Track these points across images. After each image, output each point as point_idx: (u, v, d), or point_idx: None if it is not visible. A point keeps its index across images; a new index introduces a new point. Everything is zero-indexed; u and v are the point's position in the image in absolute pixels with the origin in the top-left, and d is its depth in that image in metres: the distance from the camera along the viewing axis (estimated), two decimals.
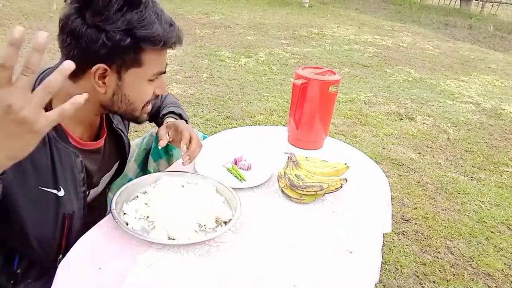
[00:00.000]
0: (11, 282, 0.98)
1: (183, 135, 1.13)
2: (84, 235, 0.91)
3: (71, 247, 0.92)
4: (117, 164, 1.19)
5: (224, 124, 3.14)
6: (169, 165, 1.30)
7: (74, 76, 0.86)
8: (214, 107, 3.43)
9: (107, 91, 0.89)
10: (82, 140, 0.98)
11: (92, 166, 1.03)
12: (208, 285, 0.82)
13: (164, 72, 0.94)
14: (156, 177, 1.11)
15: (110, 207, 0.97)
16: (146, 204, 1.03)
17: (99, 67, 0.84)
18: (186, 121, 1.26)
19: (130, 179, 1.27)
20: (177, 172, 1.16)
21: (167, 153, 1.34)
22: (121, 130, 1.12)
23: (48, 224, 0.92)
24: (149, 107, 0.99)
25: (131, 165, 1.33)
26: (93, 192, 1.11)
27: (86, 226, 0.98)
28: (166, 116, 1.25)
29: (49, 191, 0.90)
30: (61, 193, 0.92)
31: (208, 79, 4.08)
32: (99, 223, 0.95)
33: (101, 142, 1.05)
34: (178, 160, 1.29)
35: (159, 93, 0.96)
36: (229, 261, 0.89)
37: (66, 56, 0.85)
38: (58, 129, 0.91)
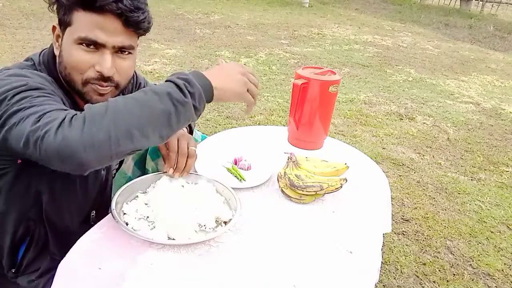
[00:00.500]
0: (12, 270, 1.00)
1: (169, 157, 1.09)
2: (84, 235, 0.91)
3: (105, 201, 1.08)
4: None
5: (224, 124, 3.14)
6: None
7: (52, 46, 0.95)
8: (214, 107, 3.43)
9: (58, 53, 0.93)
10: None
11: None
12: (208, 285, 0.82)
13: (103, 46, 0.88)
14: (156, 177, 1.11)
15: (110, 207, 0.97)
16: (146, 204, 1.03)
17: (55, 26, 0.93)
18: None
19: (130, 178, 1.27)
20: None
21: None
22: None
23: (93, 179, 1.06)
24: (99, 88, 0.92)
25: (129, 163, 1.33)
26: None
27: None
28: None
29: None
30: None
31: None
32: (99, 223, 0.95)
33: None
34: None
35: (99, 70, 0.89)
36: (229, 261, 0.89)
37: None
38: (69, 95, 0.97)
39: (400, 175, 2.74)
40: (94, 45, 0.87)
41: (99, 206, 1.10)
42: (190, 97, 0.79)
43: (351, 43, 6.16)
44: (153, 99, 0.75)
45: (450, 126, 3.62)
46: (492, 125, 3.74)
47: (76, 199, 1.03)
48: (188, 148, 1.08)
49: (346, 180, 1.13)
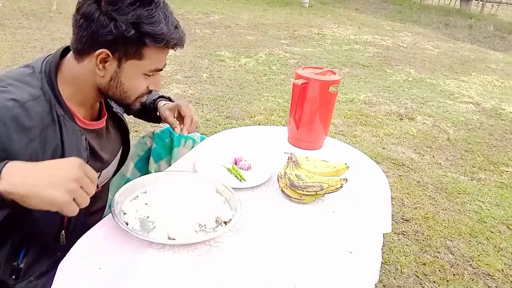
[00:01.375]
0: (13, 277, 0.99)
1: (186, 121, 1.23)
2: (84, 235, 0.91)
3: (72, 223, 1.00)
4: (120, 150, 1.21)
5: (224, 124, 3.14)
6: (169, 166, 1.30)
7: (79, 55, 0.92)
8: (214, 107, 3.44)
9: (105, 75, 0.93)
10: (85, 120, 1.02)
11: (97, 146, 1.06)
12: (208, 285, 0.82)
13: (161, 70, 0.99)
14: (156, 177, 1.11)
15: (110, 207, 0.97)
16: (146, 204, 1.03)
17: (103, 51, 0.89)
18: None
19: (128, 179, 1.27)
20: (177, 172, 1.16)
21: (168, 154, 1.34)
22: (120, 114, 1.17)
23: None
24: (143, 99, 1.03)
25: (129, 166, 1.33)
26: (105, 174, 1.14)
27: (94, 210, 1.06)
28: (157, 101, 1.32)
29: None
30: None
31: (208, 79, 4.08)
32: (99, 223, 0.95)
33: (103, 122, 1.09)
34: (178, 160, 1.29)
35: (152, 89, 1.01)
36: (229, 261, 0.89)
37: (76, 35, 0.90)
38: (65, 109, 0.94)
39: (400, 175, 2.73)
40: (154, 72, 0.98)
41: (67, 229, 1.04)
42: None
43: (351, 43, 6.16)
44: None
45: (450, 126, 3.62)
46: (492, 125, 3.74)
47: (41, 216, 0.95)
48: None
49: (346, 180, 1.13)
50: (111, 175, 1.22)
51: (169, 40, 0.91)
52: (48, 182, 0.67)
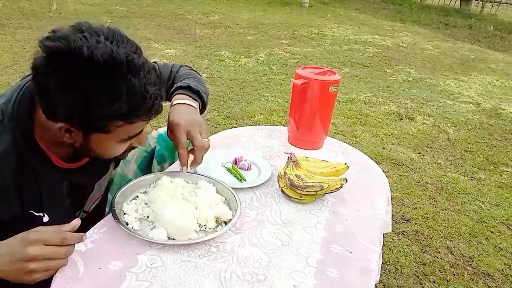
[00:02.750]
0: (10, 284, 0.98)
1: (195, 156, 1.03)
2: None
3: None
4: (113, 164, 1.18)
5: (224, 124, 3.14)
6: None
7: (41, 110, 0.82)
8: (214, 107, 3.43)
9: (75, 142, 0.85)
10: (65, 160, 0.95)
11: (82, 180, 1.03)
12: (208, 285, 0.82)
13: (140, 132, 0.89)
14: (156, 177, 1.11)
15: (110, 207, 0.97)
16: (146, 204, 1.03)
17: (61, 126, 0.80)
18: (198, 92, 1.15)
19: (130, 180, 1.26)
20: (178, 172, 1.16)
21: (171, 157, 1.33)
22: None
23: None
24: (126, 155, 0.96)
25: (131, 167, 1.32)
26: (93, 197, 1.12)
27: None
28: (173, 94, 1.12)
29: (36, 215, 0.91)
30: (46, 218, 0.93)
31: (208, 79, 4.08)
32: (99, 223, 0.95)
33: (84, 161, 1.01)
34: (178, 160, 1.29)
35: (136, 145, 0.93)
36: (230, 261, 0.89)
37: (36, 94, 0.80)
38: (42, 156, 0.89)
39: (400, 175, 2.74)
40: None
41: None
42: None
43: (351, 43, 6.16)
44: None
45: (450, 126, 3.62)
46: (492, 125, 3.74)
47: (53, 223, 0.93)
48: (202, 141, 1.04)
49: (346, 180, 1.13)
50: (103, 192, 1.18)
51: (132, 117, 0.80)
52: (10, 274, 0.72)
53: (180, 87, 1.12)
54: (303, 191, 1.09)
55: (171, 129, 1.03)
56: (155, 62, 1.15)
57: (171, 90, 1.13)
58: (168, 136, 1.06)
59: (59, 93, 0.75)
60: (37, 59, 0.75)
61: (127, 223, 0.95)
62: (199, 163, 1.05)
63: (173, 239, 0.92)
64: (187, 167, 1.05)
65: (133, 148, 0.94)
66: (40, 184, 0.90)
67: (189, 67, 1.26)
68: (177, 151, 1.03)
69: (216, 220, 1.00)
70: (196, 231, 0.95)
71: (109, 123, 0.80)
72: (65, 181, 0.97)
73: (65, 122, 0.79)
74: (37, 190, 0.90)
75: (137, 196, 1.06)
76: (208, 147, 1.05)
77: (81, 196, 1.07)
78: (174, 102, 1.08)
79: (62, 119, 0.79)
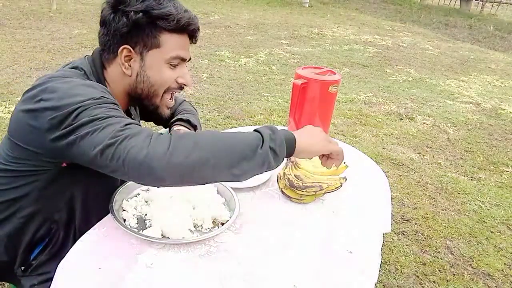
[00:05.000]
0: (22, 268, 1.01)
1: None
2: (84, 235, 0.91)
3: None
4: None
5: (224, 124, 3.14)
6: None
7: (108, 63, 0.98)
8: (214, 107, 3.44)
9: (132, 73, 0.97)
10: None
11: None
12: (208, 285, 0.82)
13: (185, 60, 1.01)
14: None
15: (109, 204, 0.98)
16: (146, 202, 1.03)
17: (124, 47, 0.94)
18: (195, 126, 1.25)
19: None
20: None
21: None
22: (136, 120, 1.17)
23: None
24: (172, 101, 1.04)
25: None
26: None
27: None
28: (173, 124, 1.24)
29: None
30: None
31: (208, 79, 4.08)
32: (99, 223, 0.96)
33: None
34: None
35: (182, 82, 1.02)
36: (229, 261, 0.89)
37: (102, 45, 0.97)
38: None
39: (400, 175, 2.73)
40: (178, 62, 0.99)
41: None
42: (272, 143, 0.83)
43: (351, 43, 6.16)
44: (237, 143, 0.81)
45: (450, 126, 3.62)
46: (492, 125, 3.74)
47: (106, 203, 1.01)
48: None
49: (346, 179, 1.13)
50: None
51: (179, 20, 0.94)
52: (317, 136, 0.93)
53: (181, 119, 1.25)
54: (302, 191, 1.09)
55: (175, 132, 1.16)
56: None
57: (172, 120, 1.26)
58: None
59: (120, 12, 0.92)
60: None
61: (124, 220, 0.95)
62: None
63: (168, 237, 0.92)
64: None
65: (181, 88, 1.03)
66: None
67: (189, 103, 1.41)
68: None
69: (214, 221, 1.00)
70: (191, 230, 0.95)
71: (160, 34, 0.94)
72: None
73: (127, 43, 0.94)
74: None
75: (139, 194, 1.07)
76: None
77: None
78: (175, 128, 1.21)
79: (124, 41, 0.94)
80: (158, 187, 0.82)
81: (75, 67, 0.97)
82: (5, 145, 0.94)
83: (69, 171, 0.92)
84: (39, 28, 5.12)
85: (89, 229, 0.97)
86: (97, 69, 0.99)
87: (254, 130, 0.85)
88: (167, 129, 1.23)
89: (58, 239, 1.01)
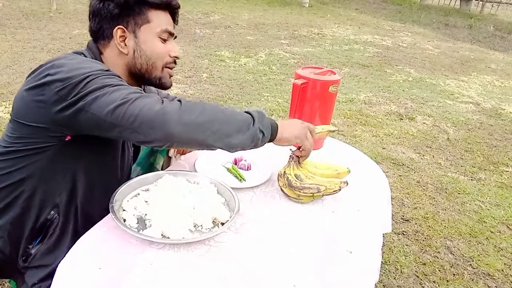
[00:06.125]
0: (23, 258, 1.01)
1: None
2: (84, 235, 0.91)
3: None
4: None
5: None
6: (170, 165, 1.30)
7: (104, 48, 1.05)
8: None
9: (129, 51, 1.05)
10: None
11: None
12: (208, 285, 0.82)
13: (172, 35, 1.09)
14: (158, 176, 1.12)
15: (109, 203, 0.97)
16: (146, 202, 1.03)
17: (118, 28, 1.02)
18: None
19: (130, 178, 1.27)
20: (181, 171, 1.16)
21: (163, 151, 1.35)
22: None
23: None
24: (171, 71, 1.11)
25: (133, 168, 1.32)
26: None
27: None
28: None
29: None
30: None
31: (208, 79, 4.08)
32: (99, 223, 0.95)
33: None
34: (178, 160, 1.29)
35: (174, 55, 1.09)
36: (229, 261, 0.89)
37: (95, 35, 1.05)
38: None
39: (400, 175, 2.73)
40: (167, 36, 1.07)
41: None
42: (260, 125, 0.95)
43: (351, 43, 6.16)
44: (236, 116, 0.93)
45: (450, 126, 3.62)
46: (492, 125, 3.74)
47: (108, 184, 1.05)
48: None
49: (347, 184, 1.12)
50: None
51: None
52: (296, 127, 1.05)
53: None
54: (300, 192, 1.09)
55: None
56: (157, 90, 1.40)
57: None
58: None
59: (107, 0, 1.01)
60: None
61: (124, 220, 0.95)
62: (182, 154, 1.30)
63: (167, 237, 0.92)
64: (174, 155, 1.28)
65: (173, 58, 1.09)
66: None
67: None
68: None
69: (213, 221, 1.00)
70: (191, 230, 0.95)
71: (148, 11, 1.03)
72: None
73: (119, 24, 1.02)
74: None
75: (139, 194, 1.07)
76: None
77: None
78: None
79: (116, 22, 1.02)
80: (162, 145, 0.89)
81: (75, 53, 1.03)
82: (7, 130, 0.98)
83: (72, 145, 0.95)
84: (39, 28, 5.12)
85: (89, 209, 1.02)
86: (95, 55, 1.04)
87: (245, 112, 0.95)
88: (173, 152, 1.33)
89: (57, 228, 1.01)
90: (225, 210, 1.02)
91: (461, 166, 2.96)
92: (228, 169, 1.25)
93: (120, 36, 1.03)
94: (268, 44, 5.64)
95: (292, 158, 1.15)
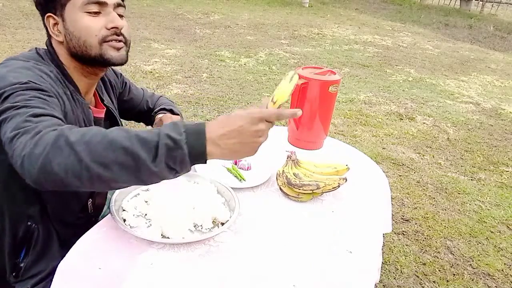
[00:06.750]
0: (13, 274, 0.99)
1: None
2: (84, 235, 0.91)
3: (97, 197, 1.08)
4: None
5: None
6: None
7: (50, 44, 1.01)
8: (214, 107, 3.43)
9: (63, 38, 0.97)
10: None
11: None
12: (208, 285, 0.82)
13: (104, 4, 0.95)
14: None
15: (109, 204, 0.97)
16: (146, 202, 1.03)
17: (48, 16, 0.98)
18: (178, 115, 1.29)
19: None
20: None
21: None
22: (113, 109, 1.18)
23: None
24: (115, 44, 0.98)
25: None
26: None
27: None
28: (157, 113, 1.29)
29: None
30: None
31: (208, 79, 4.08)
32: (99, 223, 0.95)
33: (103, 112, 1.13)
34: None
35: (111, 26, 0.96)
36: (229, 261, 0.89)
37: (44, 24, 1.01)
38: (75, 86, 1.01)
39: (400, 175, 2.73)
40: (99, 7, 0.95)
41: (96, 194, 1.10)
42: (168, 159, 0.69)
43: (351, 43, 6.16)
44: (126, 155, 0.68)
45: (450, 126, 3.62)
46: (492, 125, 3.74)
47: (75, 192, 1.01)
48: None
49: (346, 180, 1.13)
50: None
51: None
52: (244, 145, 0.78)
53: (164, 109, 1.31)
54: (299, 189, 1.09)
55: (160, 121, 1.23)
56: (142, 88, 1.37)
57: (155, 110, 1.31)
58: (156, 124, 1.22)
59: None
60: None
61: (124, 220, 0.95)
62: None
63: (168, 237, 0.92)
64: None
65: (115, 33, 0.97)
66: (74, 109, 0.98)
67: (166, 97, 1.44)
68: None
69: (213, 221, 1.00)
70: (191, 230, 0.95)
71: None
72: (90, 110, 1.04)
73: (47, 11, 0.98)
74: (71, 111, 0.96)
75: (138, 194, 1.07)
76: None
77: None
78: (159, 116, 1.26)
79: (45, 11, 0.98)
80: (40, 188, 0.73)
81: (30, 50, 1.01)
82: None
83: None
84: (39, 28, 5.12)
85: (63, 217, 1.00)
86: (51, 53, 1.00)
87: (157, 133, 0.70)
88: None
89: (39, 237, 0.99)
90: (225, 210, 1.02)
91: (461, 166, 2.96)
92: (228, 169, 1.25)
93: (53, 25, 0.98)
94: (268, 44, 5.64)
95: (290, 158, 1.15)
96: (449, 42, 7.00)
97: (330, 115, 1.44)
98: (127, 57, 1.02)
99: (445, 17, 9.13)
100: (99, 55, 0.97)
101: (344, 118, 3.53)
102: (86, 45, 0.96)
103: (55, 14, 0.97)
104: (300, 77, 1.34)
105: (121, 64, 1.01)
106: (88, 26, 0.95)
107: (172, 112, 1.30)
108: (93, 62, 0.99)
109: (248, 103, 3.60)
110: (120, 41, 0.99)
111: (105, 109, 1.14)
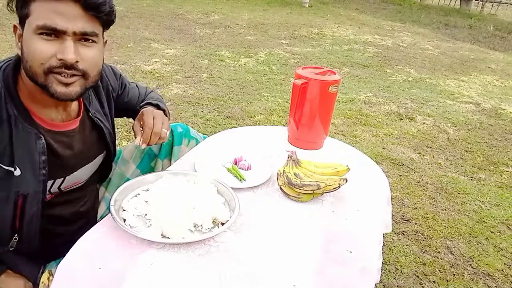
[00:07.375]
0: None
1: (144, 131, 1.08)
2: (84, 235, 0.91)
3: (26, 228, 0.96)
4: (101, 156, 1.16)
5: (224, 124, 3.14)
6: (170, 165, 1.30)
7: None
8: (214, 107, 3.43)
9: (21, 54, 0.90)
10: (53, 122, 0.97)
11: (64, 151, 1.01)
12: (208, 285, 0.82)
13: (62, 32, 0.84)
14: (158, 175, 1.12)
15: (109, 204, 0.97)
16: (146, 201, 1.03)
17: (14, 25, 0.91)
18: (164, 111, 1.23)
19: (128, 179, 1.27)
20: (181, 171, 1.16)
21: (168, 153, 1.34)
22: (100, 120, 1.11)
23: (1, 200, 0.92)
24: (61, 78, 0.87)
25: (130, 166, 1.32)
26: (72, 179, 1.07)
27: (64, 216, 1.07)
28: (142, 107, 1.22)
29: (5, 168, 0.90)
30: (17, 172, 0.91)
31: (208, 79, 4.08)
32: (99, 223, 0.95)
33: (74, 123, 1.03)
34: (178, 160, 1.29)
35: (60, 57, 0.85)
36: (229, 261, 0.89)
37: None
38: (20, 109, 0.91)
39: (400, 175, 2.73)
40: (55, 33, 0.84)
41: (22, 233, 0.99)
42: None
43: (351, 43, 6.16)
44: None
45: (450, 126, 3.62)
46: (492, 125, 3.74)
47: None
48: (161, 129, 1.10)
49: (346, 181, 1.12)
50: (84, 181, 1.13)
51: None
52: None
53: (150, 103, 1.25)
54: (300, 189, 1.09)
55: (141, 115, 1.14)
56: (133, 82, 1.33)
57: (141, 104, 1.27)
58: (138, 120, 1.15)
59: None
60: None
61: (124, 220, 0.95)
62: (148, 145, 1.10)
63: (168, 237, 0.92)
64: (140, 143, 1.08)
65: (60, 61, 0.85)
66: (12, 137, 0.89)
67: (156, 92, 1.41)
68: (137, 131, 1.11)
69: (213, 221, 1.00)
70: (191, 230, 0.95)
71: (30, 2, 0.85)
72: (41, 139, 0.93)
73: (16, 22, 0.91)
74: (9, 143, 0.89)
75: (138, 194, 1.07)
76: (164, 138, 1.13)
77: (60, 168, 1.02)
78: (142, 110, 1.18)
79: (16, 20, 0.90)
80: None
81: (5, 60, 0.95)
82: None
83: None
84: None
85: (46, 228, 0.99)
86: (9, 66, 0.92)
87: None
88: (138, 141, 1.10)
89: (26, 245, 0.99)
90: (225, 210, 1.03)
91: (461, 166, 2.96)
92: (228, 169, 1.25)
93: (19, 36, 0.89)
94: (268, 44, 5.63)
95: (291, 157, 1.15)
96: (449, 42, 7.00)
97: (330, 115, 1.44)
98: (83, 93, 0.92)
99: (445, 17, 9.13)
100: (44, 85, 0.87)
101: (344, 118, 3.53)
102: (31, 70, 0.86)
103: (20, 25, 0.89)
104: (300, 77, 1.34)
105: (69, 100, 0.91)
106: (36, 51, 0.84)
107: (158, 107, 1.24)
108: (42, 89, 0.89)
109: (248, 103, 3.60)
110: (73, 75, 0.87)
111: (78, 119, 1.04)
